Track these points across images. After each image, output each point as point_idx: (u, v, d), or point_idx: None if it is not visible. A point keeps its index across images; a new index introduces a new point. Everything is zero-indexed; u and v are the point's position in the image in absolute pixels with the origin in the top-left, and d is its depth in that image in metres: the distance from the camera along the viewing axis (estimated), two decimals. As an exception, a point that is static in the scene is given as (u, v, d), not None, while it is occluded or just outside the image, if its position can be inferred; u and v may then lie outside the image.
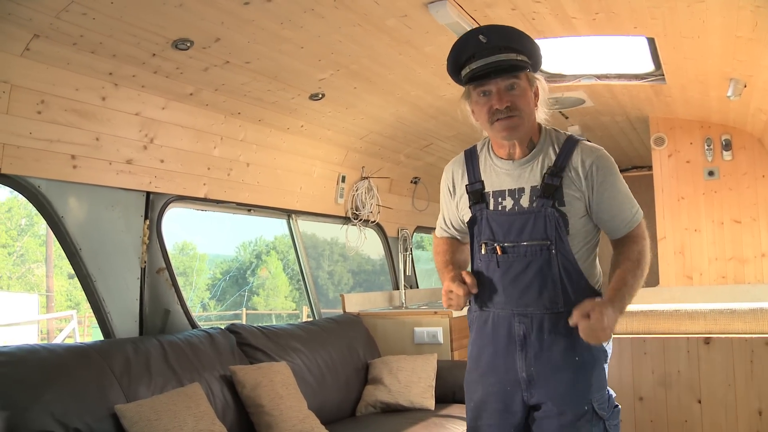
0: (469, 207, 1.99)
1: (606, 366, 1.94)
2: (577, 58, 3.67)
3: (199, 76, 2.98)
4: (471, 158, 2.03)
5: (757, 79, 3.42)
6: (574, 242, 1.88)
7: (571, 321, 1.77)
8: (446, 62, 1.94)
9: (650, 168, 5.12)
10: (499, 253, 1.91)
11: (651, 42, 3.23)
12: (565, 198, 1.86)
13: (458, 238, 2.18)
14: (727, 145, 4.79)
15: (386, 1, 2.64)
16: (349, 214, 4.76)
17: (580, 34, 3.09)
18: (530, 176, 1.90)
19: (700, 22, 2.85)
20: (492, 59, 1.82)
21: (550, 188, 1.86)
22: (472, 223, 1.98)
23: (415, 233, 5.75)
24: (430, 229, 6.02)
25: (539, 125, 1.97)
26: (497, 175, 1.96)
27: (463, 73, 1.89)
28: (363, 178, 4.80)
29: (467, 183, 2.01)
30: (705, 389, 3.25)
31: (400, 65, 3.37)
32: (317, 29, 2.80)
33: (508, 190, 1.93)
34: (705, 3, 2.65)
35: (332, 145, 4.31)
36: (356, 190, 4.76)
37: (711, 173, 4.88)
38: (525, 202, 1.90)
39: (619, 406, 1.96)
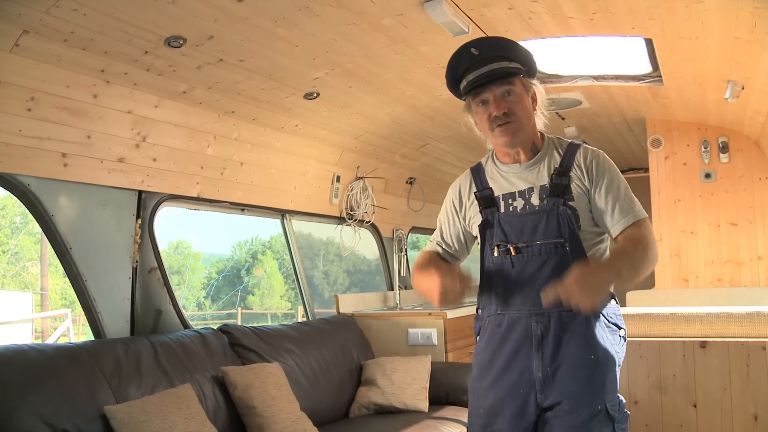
0: (480, 212, 2.01)
1: (618, 370, 1.94)
2: (574, 58, 3.65)
3: (192, 74, 2.95)
4: (477, 171, 2.07)
5: (755, 81, 3.40)
6: (585, 238, 1.91)
7: (545, 294, 1.70)
8: (445, 78, 2.00)
9: (647, 170, 5.11)
10: (513, 253, 1.92)
11: (649, 43, 3.21)
12: (574, 193, 1.90)
13: (447, 259, 2.14)
14: (724, 148, 4.79)
15: (382, 0, 2.62)
16: (344, 215, 4.73)
17: (578, 34, 3.07)
18: (538, 177, 1.94)
19: (699, 23, 2.84)
20: (485, 69, 1.88)
21: (560, 187, 1.90)
22: (484, 226, 1.99)
23: (410, 234, 5.72)
24: (425, 230, 6.00)
25: (542, 134, 2.01)
26: (505, 180, 1.99)
27: (461, 86, 1.95)
28: (358, 178, 4.78)
29: (476, 190, 2.04)
30: (701, 393, 3.23)
31: (396, 65, 3.34)
32: (312, 27, 2.77)
33: (518, 191, 1.96)
34: (704, 3, 2.63)
35: (327, 144, 4.29)
36: (351, 191, 4.74)
37: (708, 175, 4.88)
38: (535, 200, 1.92)
39: (629, 413, 1.94)
